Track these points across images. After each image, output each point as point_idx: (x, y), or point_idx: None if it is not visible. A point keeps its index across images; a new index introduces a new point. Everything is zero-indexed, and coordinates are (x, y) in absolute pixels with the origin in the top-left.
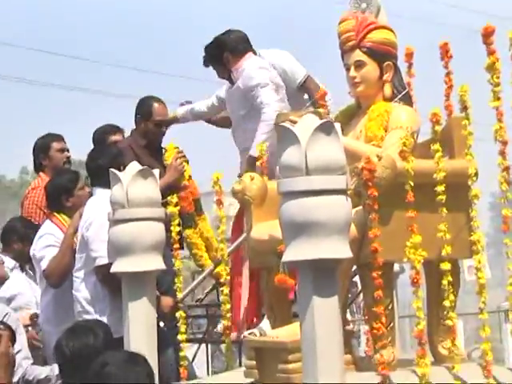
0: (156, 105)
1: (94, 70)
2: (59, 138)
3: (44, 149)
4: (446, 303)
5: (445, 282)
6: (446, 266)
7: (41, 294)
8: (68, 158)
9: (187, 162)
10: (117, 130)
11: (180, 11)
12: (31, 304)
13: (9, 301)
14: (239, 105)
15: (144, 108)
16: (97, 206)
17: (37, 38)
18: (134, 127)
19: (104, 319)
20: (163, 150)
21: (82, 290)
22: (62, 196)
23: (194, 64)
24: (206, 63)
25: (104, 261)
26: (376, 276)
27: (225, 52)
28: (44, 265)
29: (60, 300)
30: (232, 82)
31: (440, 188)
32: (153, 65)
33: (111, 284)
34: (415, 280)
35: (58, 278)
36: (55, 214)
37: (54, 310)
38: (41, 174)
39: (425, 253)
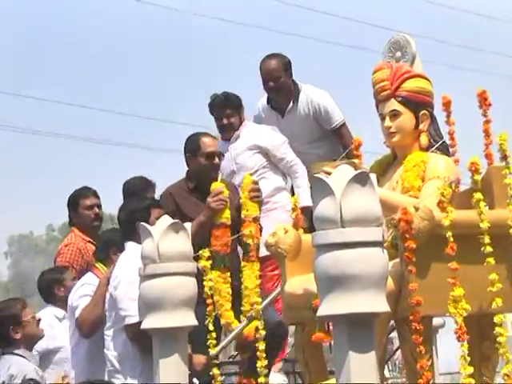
0: (204, 138)
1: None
2: (88, 193)
3: (73, 205)
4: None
5: (495, 338)
6: (498, 319)
7: (72, 346)
8: (97, 214)
9: (259, 201)
10: (149, 184)
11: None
12: None
13: (53, 353)
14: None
15: (191, 144)
16: (126, 262)
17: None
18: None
19: (135, 379)
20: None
21: (112, 349)
22: (111, 249)
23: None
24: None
25: (134, 319)
26: (415, 331)
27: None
28: (77, 314)
29: (92, 357)
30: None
31: (486, 238)
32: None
33: (142, 342)
34: (460, 335)
35: (89, 328)
36: (97, 264)
37: (86, 368)
38: (74, 229)
39: (468, 306)
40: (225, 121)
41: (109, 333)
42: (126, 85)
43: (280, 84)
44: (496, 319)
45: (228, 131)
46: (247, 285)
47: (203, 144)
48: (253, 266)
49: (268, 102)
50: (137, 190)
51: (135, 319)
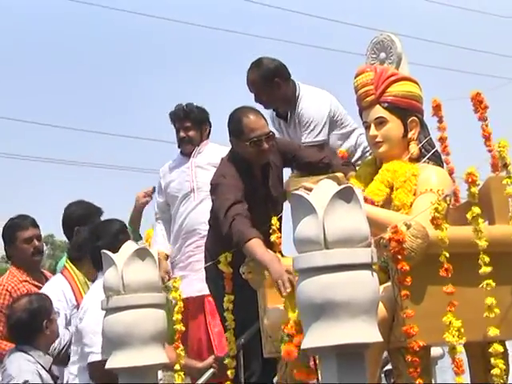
0: (246, 119)
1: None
2: (26, 225)
3: (9, 239)
4: None
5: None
6: (496, 348)
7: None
8: (36, 248)
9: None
10: (97, 210)
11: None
12: None
13: None
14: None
15: (234, 126)
16: (93, 293)
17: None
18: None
19: None
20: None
21: None
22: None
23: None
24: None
25: (97, 357)
26: (411, 363)
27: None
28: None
29: None
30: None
31: (484, 258)
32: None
33: None
34: (458, 366)
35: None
36: (66, 264)
37: None
38: (11, 268)
39: (465, 335)
40: (182, 133)
41: (73, 369)
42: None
43: (265, 98)
44: (492, 349)
45: (186, 144)
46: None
47: (246, 127)
48: None
49: (274, 109)
50: (83, 217)
51: (99, 357)
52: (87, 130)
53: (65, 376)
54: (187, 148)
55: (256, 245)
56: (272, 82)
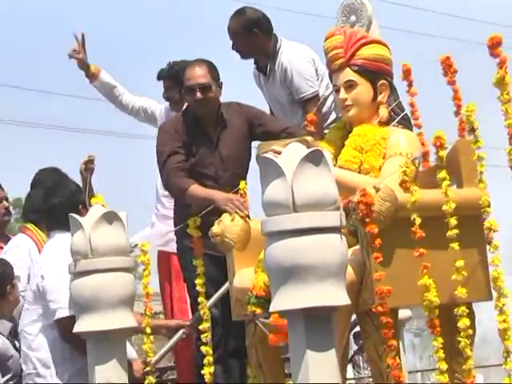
0: (187, 68)
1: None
2: None
3: None
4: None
5: (463, 332)
6: (463, 309)
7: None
8: (6, 208)
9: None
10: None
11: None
12: None
13: None
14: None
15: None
16: (55, 251)
17: None
18: None
19: None
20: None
21: (36, 349)
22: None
23: None
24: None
25: (66, 312)
26: (383, 325)
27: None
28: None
29: None
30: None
31: (452, 221)
32: None
33: (75, 340)
34: (433, 326)
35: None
36: (28, 225)
37: None
38: None
39: (437, 295)
40: (165, 93)
41: (31, 330)
42: None
43: (241, 46)
44: (460, 310)
45: (173, 104)
46: None
47: (185, 76)
48: None
49: (255, 62)
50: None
51: (67, 312)
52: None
53: (21, 341)
54: (176, 107)
55: (195, 188)
56: (250, 31)
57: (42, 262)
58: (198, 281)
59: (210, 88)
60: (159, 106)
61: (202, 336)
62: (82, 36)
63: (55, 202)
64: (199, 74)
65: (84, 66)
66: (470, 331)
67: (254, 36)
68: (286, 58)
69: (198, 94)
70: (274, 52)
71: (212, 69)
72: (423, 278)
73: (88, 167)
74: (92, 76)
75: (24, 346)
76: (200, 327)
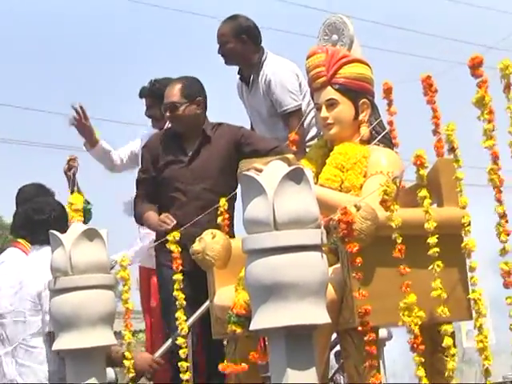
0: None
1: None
2: None
3: None
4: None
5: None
6: (447, 328)
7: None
8: None
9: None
10: (48, 192)
11: None
12: None
13: None
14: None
15: None
16: (36, 263)
17: None
18: None
19: None
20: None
21: (45, 362)
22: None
23: None
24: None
25: None
26: (365, 343)
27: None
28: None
29: None
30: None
31: (432, 240)
32: None
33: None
34: (415, 345)
35: None
36: (19, 240)
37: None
38: None
39: (422, 313)
40: (147, 111)
41: (36, 342)
42: None
43: (227, 50)
44: (442, 329)
45: (155, 121)
46: None
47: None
48: None
49: (238, 72)
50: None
51: None
52: (38, 110)
53: (22, 355)
54: (159, 124)
55: (146, 216)
56: (238, 36)
57: (42, 271)
58: (178, 294)
59: (177, 107)
60: (137, 140)
61: (181, 352)
62: (81, 107)
63: (44, 217)
64: (169, 94)
65: (90, 134)
66: (454, 350)
67: (241, 42)
68: (271, 71)
69: (167, 113)
70: (258, 63)
71: (187, 87)
72: (409, 296)
73: (71, 166)
74: (91, 144)
75: (27, 360)
76: (177, 342)
